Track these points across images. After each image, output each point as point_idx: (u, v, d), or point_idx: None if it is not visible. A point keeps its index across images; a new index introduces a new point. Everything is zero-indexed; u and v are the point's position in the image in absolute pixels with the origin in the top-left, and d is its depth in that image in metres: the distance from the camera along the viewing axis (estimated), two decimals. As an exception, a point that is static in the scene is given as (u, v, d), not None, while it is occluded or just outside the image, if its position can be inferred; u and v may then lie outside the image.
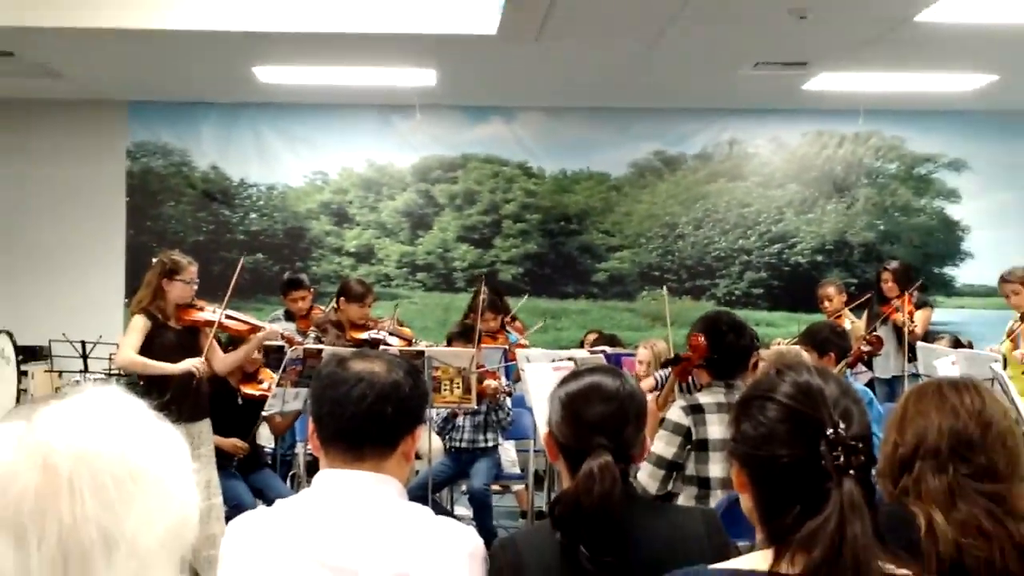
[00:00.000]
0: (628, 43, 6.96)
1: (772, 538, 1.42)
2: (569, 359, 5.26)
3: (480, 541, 1.93)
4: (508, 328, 7.51)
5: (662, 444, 3.58)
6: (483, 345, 6.48)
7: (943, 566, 1.84)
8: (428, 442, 5.95)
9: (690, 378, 4.27)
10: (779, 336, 7.47)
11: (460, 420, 6.28)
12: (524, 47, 6.94)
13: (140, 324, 5.10)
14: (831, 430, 1.38)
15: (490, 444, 6.32)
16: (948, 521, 1.88)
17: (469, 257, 9.48)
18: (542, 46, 6.90)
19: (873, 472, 1.48)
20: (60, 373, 7.91)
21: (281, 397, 5.57)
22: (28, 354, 8.06)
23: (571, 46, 7.05)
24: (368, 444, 1.95)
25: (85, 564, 1.01)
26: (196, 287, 5.26)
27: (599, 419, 2.06)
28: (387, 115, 9.24)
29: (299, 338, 6.14)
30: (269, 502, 2.43)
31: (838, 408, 1.42)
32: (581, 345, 7.69)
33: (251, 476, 5.85)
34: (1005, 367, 5.88)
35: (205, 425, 5.22)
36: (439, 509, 5.92)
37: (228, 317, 5.39)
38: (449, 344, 6.35)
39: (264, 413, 5.75)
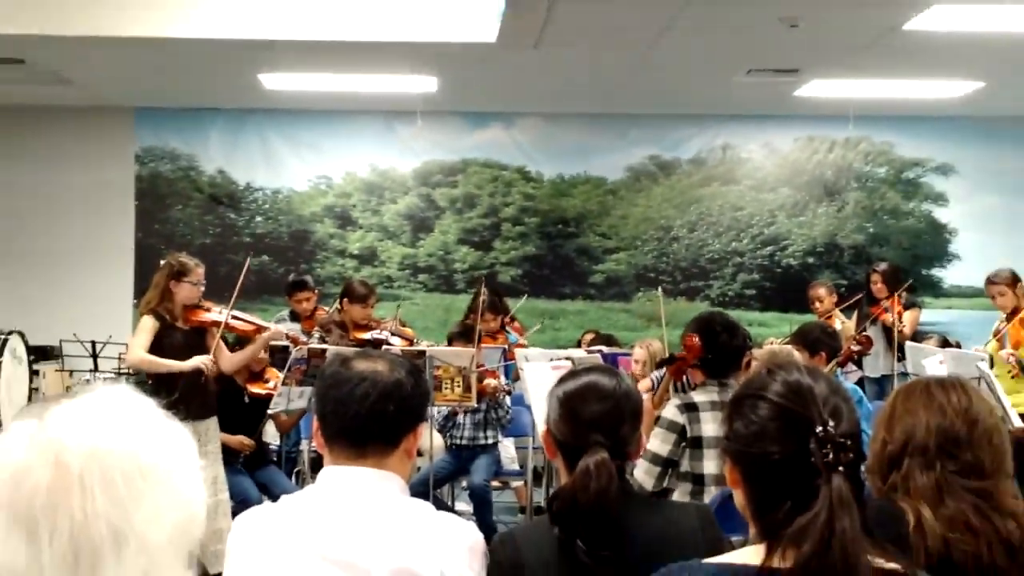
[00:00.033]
0: (624, 51, 7.00)
1: (764, 533, 1.43)
2: (567, 358, 5.26)
3: (480, 536, 1.95)
4: (508, 328, 7.52)
5: (658, 442, 3.60)
6: (483, 345, 6.49)
7: (931, 561, 1.85)
8: (429, 439, 5.97)
9: (684, 377, 4.31)
10: (771, 336, 7.41)
11: (460, 418, 6.28)
12: (523, 55, 6.96)
13: (149, 324, 5.12)
14: (820, 428, 1.39)
15: (490, 441, 6.32)
16: (936, 517, 1.90)
17: (469, 259, 9.52)
18: (540, 54, 6.93)
19: (863, 469, 1.52)
20: (71, 372, 7.98)
21: (286, 396, 5.57)
22: (39, 354, 8.11)
23: (569, 54, 7.07)
24: (371, 442, 1.95)
25: (95, 559, 1.02)
26: (203, 288, 5.28)
27: (596, 417, 2.08)
28: (389, 121, 9.28)
29: (304, 338, 6.12)
30: (274, 498, 2.44)
31: (827, 406, 1.42)
32: (578, 345, 7.69)
33: (257, 472, 5.86)
34: (992, 366, 5.99)
35: (212, 423, 5.24)
36: (440, 505, 5.94)
37: (234, 318, 5.39)
38: (450, 344, 6.36)
39: (270, 411, 5.72)
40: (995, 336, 6.52)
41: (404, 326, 7.01)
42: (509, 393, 6.62)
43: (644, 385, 5.69)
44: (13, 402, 7.23)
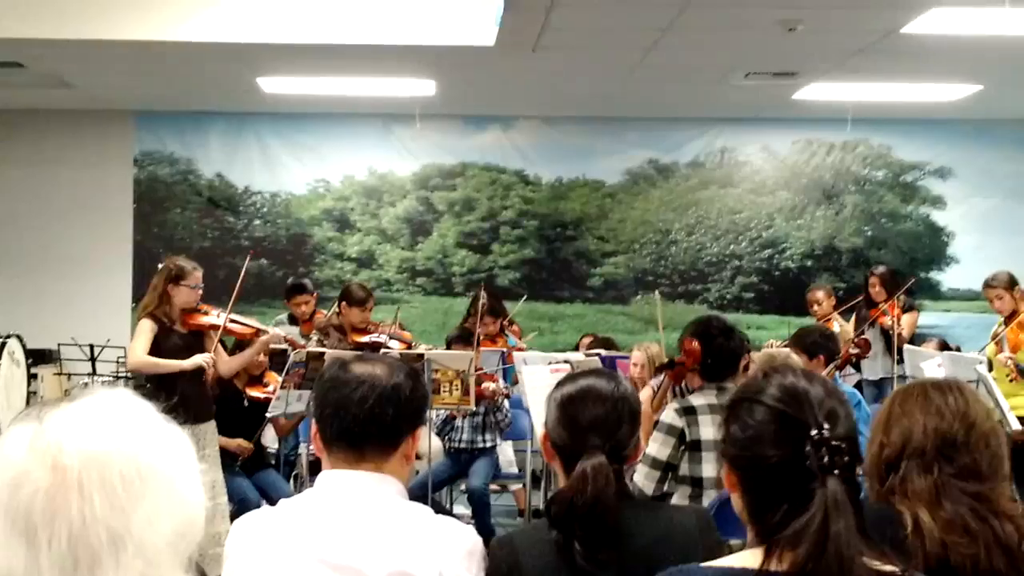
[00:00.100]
0: (622, 54, 7.00)
1: (761, 536, 1.43)
2: (565, 362, 5.24)
3: (479, 539, 1.95)
4: (507, 332, 7.52)
5: (657, 445, 3.62)
6: (482, 348, 6.50)
7: (929, 563, 1.85)
8: (428, 443, 5.96)
9: (683, 381, 4.29)
10: (770, 339, 7.41)
11: (459, 421, 6.30)
12: (521, 58, 6.95)
13: (147, 327, 5.13)
14: (816, 431, 1.39)
15: (488, 444, 6.34)
16: (934, 520, 1.89)
17: (468, 262, 9.53)
18: (539, 57, 6.93)
19: (860, 471, 1.51)
20: (69, 376, 7.98)
21: (285, 399, 5.55)
22: (38, 357, 8.10)
23: (567, 57, 7.07)
24: (369, 445, 1.95)
25: (94, 563, 1.02)
26: (201, 292, 5.28)
27: (594, 421, 2.08)
28: (388, 124, 9.29)
29: (302, 342, 6.14)
30: (273, 501, 2.46)
31: (823, 409, 1.42)
32: (577, 348, 7.65)
33: (256, 476, 5.88)
34: (990, 369, 6.01)
35: (210, 426, 5.24)
36: (439, 508, 5.90)
37: (232, 321, 5.40)
38: (448, 347, 6.38)
39: (268, 415, 5.71)
40: (993, 339, 6.54)
41: (403, 329, 7.02)
42: (508, 396, 6.61)
43: (645, 394, 5.68)
44: (11, 406, 7.23)
